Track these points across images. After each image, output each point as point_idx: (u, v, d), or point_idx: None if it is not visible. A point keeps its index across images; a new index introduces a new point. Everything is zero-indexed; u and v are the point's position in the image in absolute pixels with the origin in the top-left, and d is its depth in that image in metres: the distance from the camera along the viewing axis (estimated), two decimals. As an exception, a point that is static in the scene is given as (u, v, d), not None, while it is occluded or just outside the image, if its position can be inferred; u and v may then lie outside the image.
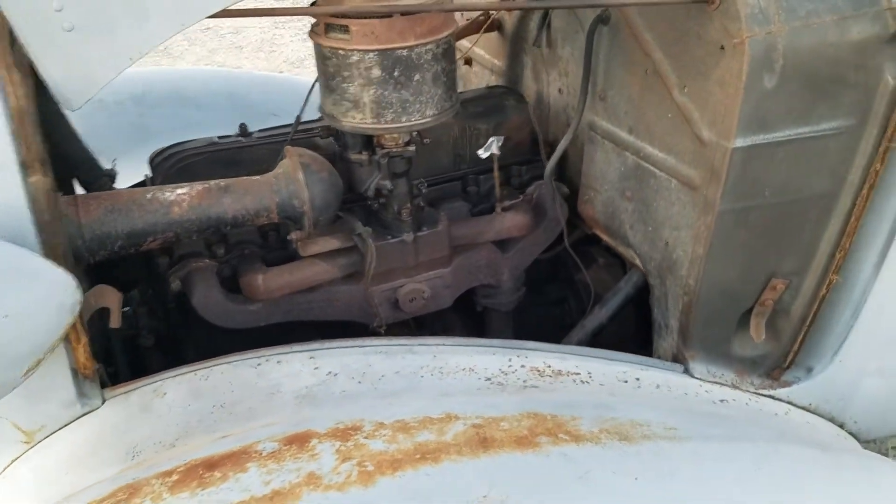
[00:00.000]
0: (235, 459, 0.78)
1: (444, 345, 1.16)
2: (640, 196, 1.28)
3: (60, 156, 1.25)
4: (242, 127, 1.41)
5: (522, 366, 1.14)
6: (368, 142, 1.22)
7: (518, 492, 0.76)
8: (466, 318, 1.61)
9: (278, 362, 1.09)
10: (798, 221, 1.12)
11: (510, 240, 1.47)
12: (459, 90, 1.23)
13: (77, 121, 2.03)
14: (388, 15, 1.04)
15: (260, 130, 1.41)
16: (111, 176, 1.32)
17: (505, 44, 1.69)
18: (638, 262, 1.33)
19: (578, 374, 1.15)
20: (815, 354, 1.27)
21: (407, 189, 1.28)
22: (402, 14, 1.04)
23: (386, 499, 0.72)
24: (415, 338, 1.18)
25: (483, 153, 1.33)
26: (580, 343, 1.45)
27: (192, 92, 2.04)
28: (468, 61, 1.90)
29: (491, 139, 1.33)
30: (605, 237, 1.44)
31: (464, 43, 1.87)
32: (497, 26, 1.69)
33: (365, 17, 1.04)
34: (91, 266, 1.37)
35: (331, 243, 1.26)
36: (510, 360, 1.14)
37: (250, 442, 0.82)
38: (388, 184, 1.24)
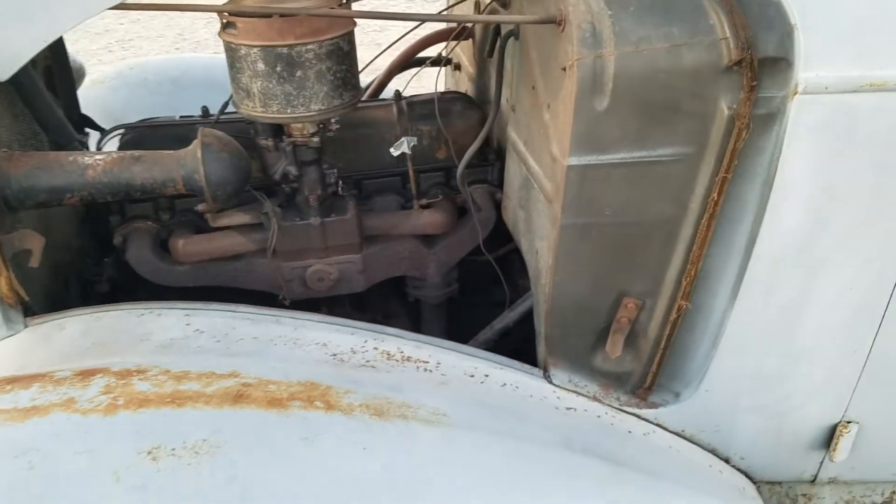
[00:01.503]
0: (31, 379, 0.92)
1: (309, 320, 1.25)
2: (527, 206, 1.31)
3: (39, 122, 1.45)
4: (204, 109, 1.56)
5: (375, 348, 1.21)
6: (278, 130, 1.33)
7: (237, 441, 0.84)
8: (413, 307, 1.68)
9: (158, 315, 1.22)
10: (643, 243, 1.12)
11: (437, 236, 1.53)
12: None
13: (121, 94, 2.28)
14: (267, 15, 1.14)
15: (221, 114, 1.56)
16: (83, 143, 1.51)
17: (476, 52, 1.75)
18: (530, 273, 1.36)
19: (427, 362, 1.20)
20: (678, 379, 1.25)
21: (317, 177, 1.38)
22: (282, 16, 1.14)
23: (116, 427, 0.83)
24: (287, 310, 1.28)
25: (394, 151, 1.40)
26: (486, 342, 1.49)
27: (223, 78, 2.22)
28: (457, 66, 1.96)
29: (402, 139, 1.40)
30: (518, 246, 1.47)
31: (457, 51, 1.95)
32: (471, 35, 1.75)
33: (246, 17, 1.15)
34: (90, 216, 1.57)
35: (240, 218, 1.38)
36: (366, 341, 1.22)
37: (56, 368, 0.96)
38: (293, 170, 1.35)
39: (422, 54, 1.90)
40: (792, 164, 1.03)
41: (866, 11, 0.98)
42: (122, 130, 1.50)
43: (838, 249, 1.09)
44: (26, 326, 1.26)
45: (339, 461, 0.86)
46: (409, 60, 1.80)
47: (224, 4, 1.19)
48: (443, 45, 1.89)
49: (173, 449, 0.82)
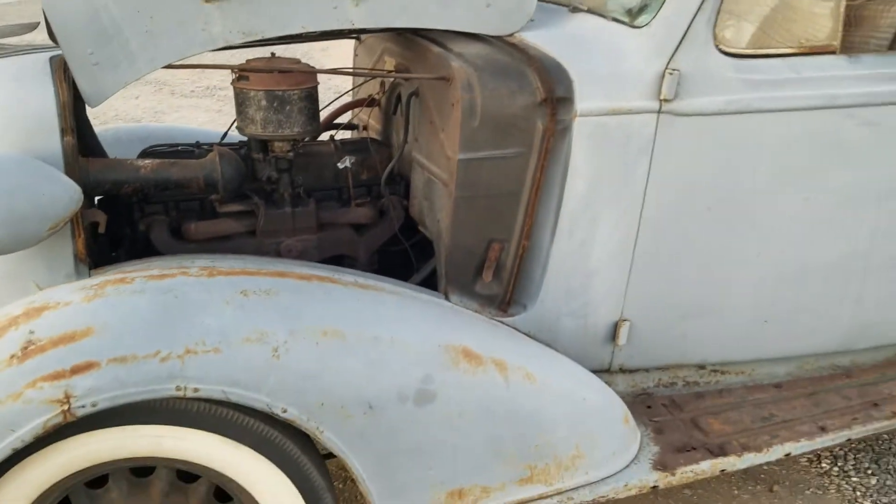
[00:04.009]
0: (147, 268, 1.44)
1: (293, 263, 1.81)
2: (429, 196, 1.97)
3: (83, 143, 1.94)
4: (197, 143, 2.12)
5: (341, 278, 1.79)
6: (265, 147, 1.93)
7: (288, 291, 1.41)
8: None
9: (192, 260, 1.74)
10: (502, 206, 1.81)
11: (365, 227, 2.14)
12: None
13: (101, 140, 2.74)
14: (271, 72, 1.77)
15: (222, 139, 2.12)
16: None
17: (381, 114, 2.43)
18: (433, 238, 2.00)
19: (375, 287, 1.79)
20: (526, 295, 1.92)
21: (289, 180, 1.98)
22: (280, 72, 1.77)
23: (217, 282, 1.38)
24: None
25: (340, 165, 2.04)
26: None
27: (181, 138, 2.75)
28: (365, 127, 2.63)
29: (345, 157, 2.04)
30: (422, 228, 2.11)
31: (362, 117, 2.62)
32: (377, 103, 2.43)
33: (258, 72, 1.77)
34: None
35: (237, 206, 1.94)
36: (334, 272, 1.79)
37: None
38: (274, 174, 1.94)
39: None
40: (577, 156, 1.77)
41: (606, 73, 1.76)
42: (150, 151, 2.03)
43: (606, 205, 1.84)
44: (90, 276, 1.73)
45: (345, 303, 1.45)
46: (330, 123, 2.46)
47: (241, 65, 1.81)
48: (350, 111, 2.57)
49: (254, 291, 1.38)
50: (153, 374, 1.24)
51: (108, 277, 1.39)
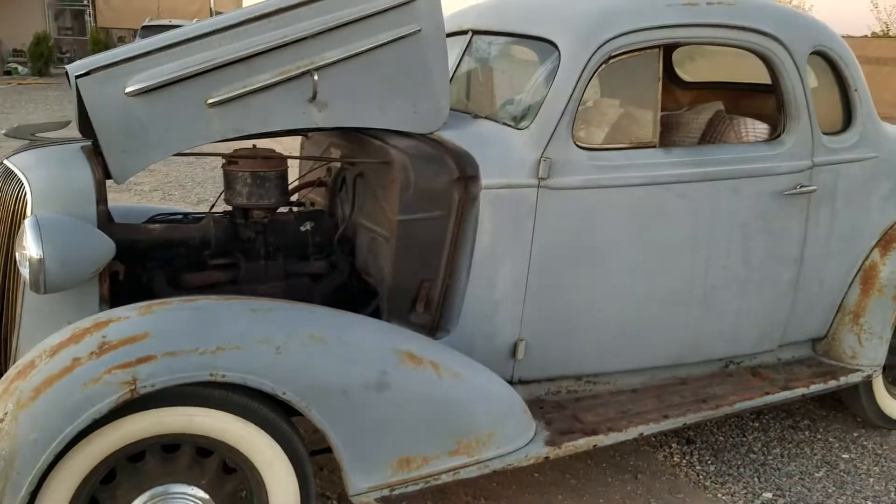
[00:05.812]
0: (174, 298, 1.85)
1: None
2: (373, 250, 2.48)
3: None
4: (185, 214, 2.55)
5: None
6: (245, 214, 2.39)
7: (280, 309, 1.87)
8: None
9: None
10: (431, 254, 2.35)
11: (319, 276, 2.60)
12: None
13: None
14: (255, 157, 2.26)
15: (211, 209, 2.55)
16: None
17: (327, 192, 2.94)
18: (376, 283, 2.49)
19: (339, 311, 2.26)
20: (449, 322, 2.44)
21: (263, 241, 2.44)
22: (263, 158, 2.27)
23: (233, 304, 1.81)
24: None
25: (302, 228, 2.52)
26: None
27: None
28: (313, 203, 3.12)
29: (306, 222, 2.53)
30: (365, 276, 2.59)
31: (308, 195, 3.11)
32: (323, 184, 2.95)
33: (245, 158, 2.25)
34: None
35: (223, 260, 2.37)
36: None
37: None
38: (253, 235, 2.40)
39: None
40: (483, 217, 2.36)
41: (501, 159, 2.36)
42: (152, 218, 2.44)
43: (505, 252, 2.41)
44: (110, 313, 2.10)
45: (323, 318, 1.93)
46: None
47: (231, 153, 2.29)
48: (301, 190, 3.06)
49: (260, 309, 1.84)
50: (194, 364, 1.64)
51: (151, 301, 1.79)
